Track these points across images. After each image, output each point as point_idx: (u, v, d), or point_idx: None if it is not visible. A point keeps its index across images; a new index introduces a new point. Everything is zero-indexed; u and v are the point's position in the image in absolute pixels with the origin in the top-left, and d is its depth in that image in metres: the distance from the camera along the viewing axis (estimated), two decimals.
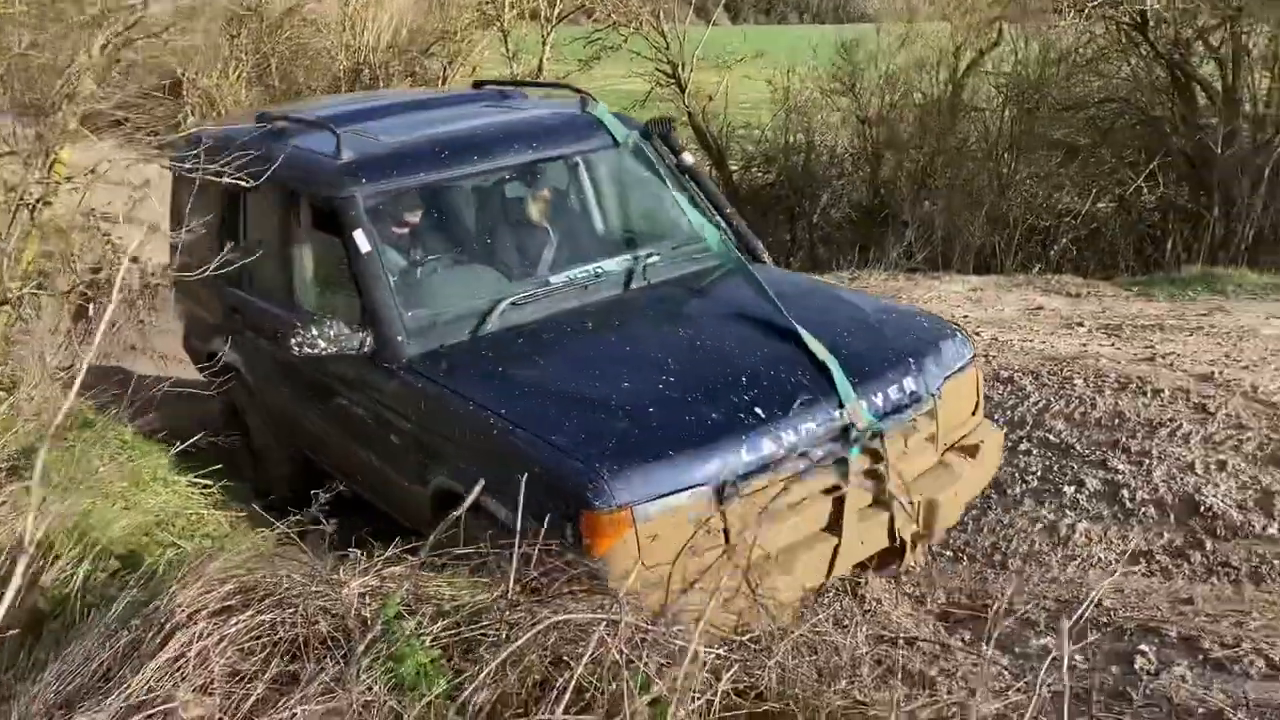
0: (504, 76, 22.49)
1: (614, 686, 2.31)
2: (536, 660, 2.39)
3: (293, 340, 3.73)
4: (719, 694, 2.35)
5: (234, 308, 4.93)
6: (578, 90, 4.97)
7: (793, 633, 2.58)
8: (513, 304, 4.00)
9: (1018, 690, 2.34)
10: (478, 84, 5.52)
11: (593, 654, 2.33)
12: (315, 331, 3.75)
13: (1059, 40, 13.93)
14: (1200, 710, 2.95)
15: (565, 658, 2.38)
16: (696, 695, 2.33)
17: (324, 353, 3.76)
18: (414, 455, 3.80)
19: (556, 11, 18.61)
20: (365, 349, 3.83)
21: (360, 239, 3.93)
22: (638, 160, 4.62)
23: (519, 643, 2.32)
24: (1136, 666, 3.28)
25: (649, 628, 2.39)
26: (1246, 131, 12.04)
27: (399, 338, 3.85)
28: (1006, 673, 3.08)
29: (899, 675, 2.61)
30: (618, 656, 2.32)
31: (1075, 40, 13.75)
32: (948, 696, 2.42)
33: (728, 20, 31.30)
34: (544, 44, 21.01)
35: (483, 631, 2.49)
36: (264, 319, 4.67)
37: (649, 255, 4.39)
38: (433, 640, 2.42)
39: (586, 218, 4.82)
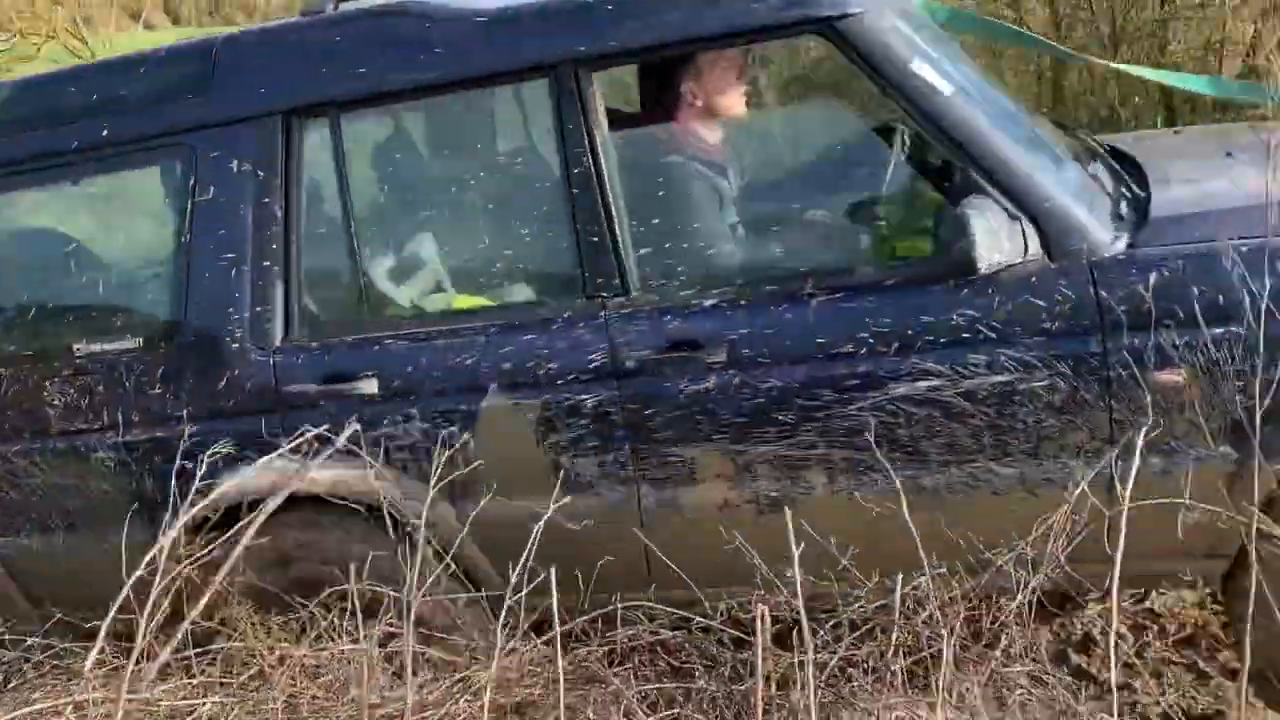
0: None
1: None
2: None
3: (976, 254, 2.31)
4: None
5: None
6: None
7: (294, 657, 2.49)
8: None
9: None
10: None
11: None
12: (986, 222, 2.33)
13: None
14: None
15: None
16: None
17: (1001, 266, 2.36)
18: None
19: None
20: (1032, 251, 2.42)
21: (929, 73, 2.54)
22: None
23: None
24: None
25: (122, 696, 2.17)
26: None
27: (1086, 214, 2.45)
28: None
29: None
30: None
31: None
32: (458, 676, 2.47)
33: (169, 22, 29.12)
34: None
35: None
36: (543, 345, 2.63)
37: None
38: None
39: None
